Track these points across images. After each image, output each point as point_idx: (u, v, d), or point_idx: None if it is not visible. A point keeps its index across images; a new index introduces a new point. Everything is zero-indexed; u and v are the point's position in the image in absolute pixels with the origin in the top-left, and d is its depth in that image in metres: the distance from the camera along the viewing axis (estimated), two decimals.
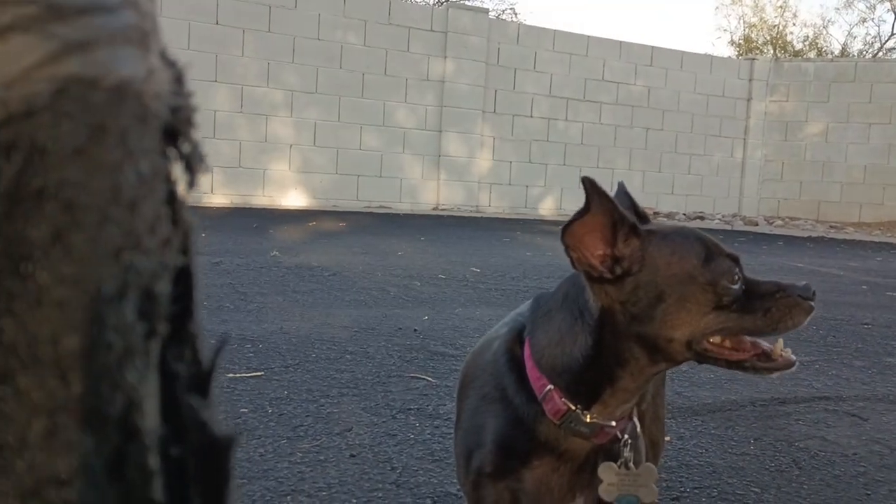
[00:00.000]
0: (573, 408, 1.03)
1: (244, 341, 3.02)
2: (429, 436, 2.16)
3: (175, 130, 0.28)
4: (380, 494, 1.78)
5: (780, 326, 1.02)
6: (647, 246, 1.01)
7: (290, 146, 9.87)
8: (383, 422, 2.25)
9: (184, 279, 0.28)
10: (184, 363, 0.28)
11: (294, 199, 9.89)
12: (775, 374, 1.07)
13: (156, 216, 0.26)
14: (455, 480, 1.86)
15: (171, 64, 0.28)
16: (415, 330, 3.43)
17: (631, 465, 1.08)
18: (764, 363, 1.03)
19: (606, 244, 1.01)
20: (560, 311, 1.08)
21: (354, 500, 1.74)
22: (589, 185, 0.98)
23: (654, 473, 1.12)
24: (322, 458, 1.96)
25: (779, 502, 1.88)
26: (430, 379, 2.70)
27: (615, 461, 1.08)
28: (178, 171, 0.28)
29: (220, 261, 4.90)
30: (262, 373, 2.64)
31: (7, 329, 0.23)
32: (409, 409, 2.37)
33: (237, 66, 9.43)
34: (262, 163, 9.70)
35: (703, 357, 1.02)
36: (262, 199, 9.68)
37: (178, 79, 0.28)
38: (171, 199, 0.28)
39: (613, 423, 1.06)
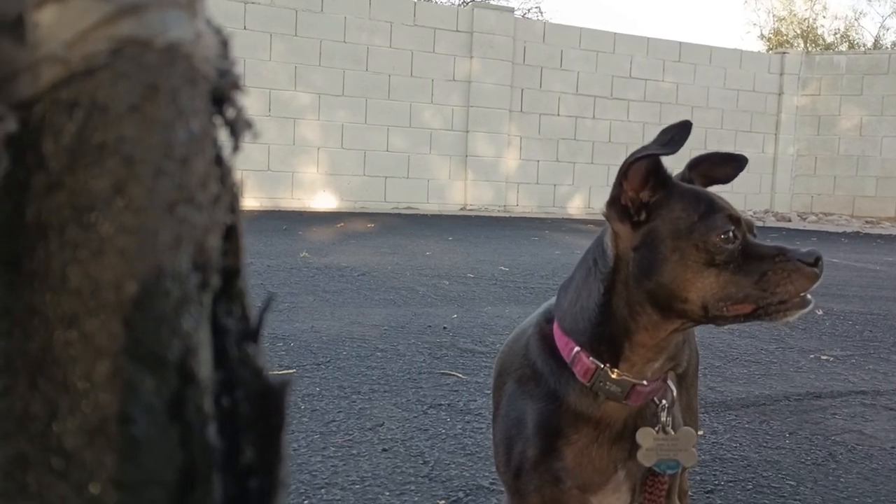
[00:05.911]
0: (601, 365, 1.04)
1: (276, 340, 3.05)
2: (460, 430, 2.17)
3: (221, 95, 0.29)
4: (412, 487, 1.79)
5: (778, 291, 0.99)
6: (666, 198, 1.05)
7: (318, 149, 9.96)
8: (414, 417, 2.27)
9: (232, 237, 0.29)
10: (233, 318, 0.29)
11: (322, 201, 9.97)
12: (793, 318, 1.02)
13: (206, 173, 0.28)
14: (487, 474, 1.86)
15: (216, 30, 0.29)
16: (444, 328, 3.44)
17: (669, 429, 1.08)
18: (777, 307, 1.00)
19: (634, 189, 1.05)
20: (579, 268, 1.12)
21: (387, 493, 1.75)
22: (685, 128, 1.05)
23: (692, 437, 1.11)
24: (355, 452, 1.98)
25: (815, 496, 1.86)
26: (460, 375, 2.71)
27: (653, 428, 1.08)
28: (223, 135, 0.30)
29: (250, 262, 4.96)
30: (295, 370, 2.67)
31: (72, 276, 0.25)
32: (440, 405, 2.38)
33: (265, 70, 9.54)
34: (290, 165, 9.80)
35: (718, 320, 1.03)
36: (291, 202, 9.78)
37: (224, 44, 0.29)
38: (219, 160, 0.29)
39: (645, 382, 1.05)
